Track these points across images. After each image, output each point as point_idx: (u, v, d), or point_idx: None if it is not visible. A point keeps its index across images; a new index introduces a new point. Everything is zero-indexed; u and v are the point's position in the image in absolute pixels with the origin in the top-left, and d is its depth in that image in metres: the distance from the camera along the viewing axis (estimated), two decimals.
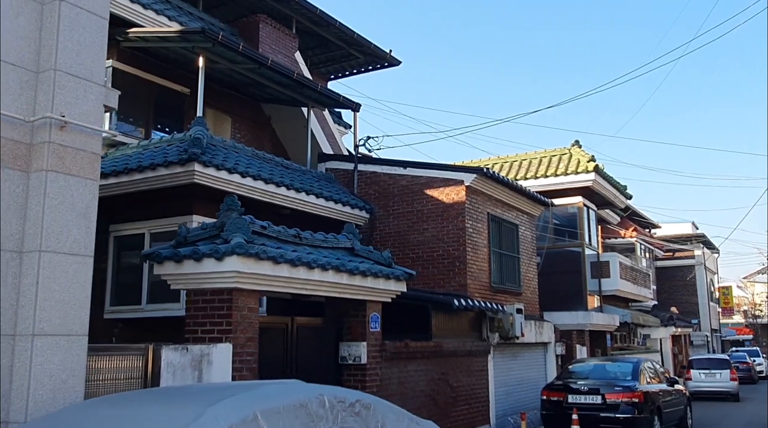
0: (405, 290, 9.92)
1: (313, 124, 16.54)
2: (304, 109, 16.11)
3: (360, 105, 15.50)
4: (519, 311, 13.72)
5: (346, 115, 19.92)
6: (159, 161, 10.77)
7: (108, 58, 13.04)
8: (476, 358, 12.46)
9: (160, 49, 13.13)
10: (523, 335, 13.76)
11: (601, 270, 22.90)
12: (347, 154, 16.32)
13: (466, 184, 13.57)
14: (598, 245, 23.96)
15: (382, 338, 9.74)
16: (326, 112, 17.31)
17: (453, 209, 13.65)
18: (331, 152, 16.48)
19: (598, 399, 12.13)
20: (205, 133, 11.65)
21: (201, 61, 12.46)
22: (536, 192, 17.66)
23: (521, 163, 23.00)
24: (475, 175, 13.54)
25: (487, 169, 13.50)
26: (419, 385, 10.56)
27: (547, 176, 21.67)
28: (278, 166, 13.31)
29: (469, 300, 11.68)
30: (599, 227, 27.48)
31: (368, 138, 15.47)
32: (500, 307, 13.09)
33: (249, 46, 14.41)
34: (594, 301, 22.16)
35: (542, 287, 17.89)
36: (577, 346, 17.61)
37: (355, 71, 19.90)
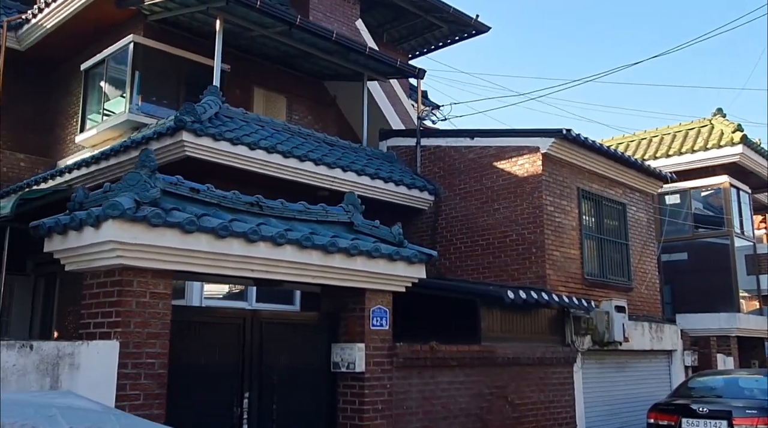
0: (423, 276, 7.61)
1: (381, 100, 14.60)
2: (371, 84, 14.22)
3: (424, 71, 13.30)
4: (620, 309, 10.79)
5: (433, 94, 17.76)
6: (150, 135, 9.30)
7: (128, 33, 12.03)
8: (554, 368, 9.77)
9: (190, 20, 11.78)
10: (626, 339, 10.81)
11: (759, 264, 18.76)
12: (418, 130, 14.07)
13: (543, 152, 10.92)
14: (756, 235, 19.81)
15: (394, 339, 7.48)
16: (398, 88, 15.26)
17: (527, 183, 11.04)
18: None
19: (723, 426, 9.01)
20: (217, 104, 10.07)
21: (218, 24, 10.94)
22: (670, 172, 14.43)
23: (651, 140, 19.51)
24: (552, 140, 10.85)
25: (568, 130, 10.76)
26: (458, 402, 8.15)
27: (682, 153, 18.07)
28: (319, 142, 11.47)
29: (533, 293, 9.06)
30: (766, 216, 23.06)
31: (433, 107, 13.18)
32: (588, 304, 10.28)
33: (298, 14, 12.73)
34: (754, 303, 18.17)
35: (677, 285, 14.62)
36: (718, 356, 14.08)
37: (440, 44, 17.67)
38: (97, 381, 5.07)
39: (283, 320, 7.07)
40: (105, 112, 12.11)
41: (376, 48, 14.49)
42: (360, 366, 7.04)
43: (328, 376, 7.22)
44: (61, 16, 12.16)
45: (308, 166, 10.34)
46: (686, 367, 13.19)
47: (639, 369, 12.19)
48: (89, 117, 12.55)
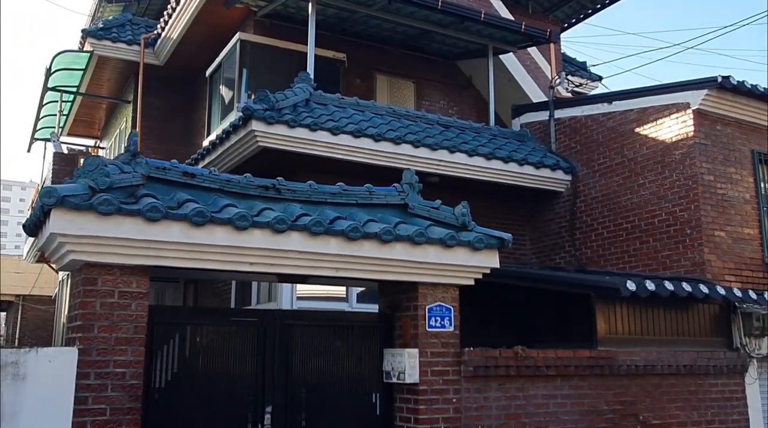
0: (495, 265, 6.17)
1: (520, 75, 13.11)
2: (507, 58, 12.78)
3: (557, 34, 11.68)
4: None
5: (597, 67, 15.63)
6: (228, 128, 8.85)
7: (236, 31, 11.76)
8: (712, 379, 7.63)
9: (298, 11, 11.28)
10: None
11: None
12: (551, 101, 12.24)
13: (694, 108, 8.75)
14: None
15: (461, 343, 6.13)
16: (542, 61, 13.54)
17: (676, 149, 8.92)
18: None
19: None
20: (307, 90, 9.39)
21: (310, 7, 10.27)
22: None
23: None
24: (705, 92, 8.65)
25: (726, 78, 8.49)
26: (561, 421, 6.52)
27: None
28: (431, 123, 10.35)
29: (667, 284, 7.09)
30: None
31: (569, 73, 11.38)
32: (759, 296, 7.96)
33: None
34: None
35: None
36: None
37: (598, 6, 15.60)
38: (47, 393, 4.46)
39: (320, 322, 6.05)
40: (222, 113, 12.02)
41: (511, 18, 12.99)
42: (412, 376, 5.80)
43: (381, 388, 6.07)
44: (182, 25, 12.29)
45: (405, 149, 9.26)
46: None
47: None
48: (213, 121, 12.57)
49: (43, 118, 15.99)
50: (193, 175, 5.39)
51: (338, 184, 6.17)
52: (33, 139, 17.09)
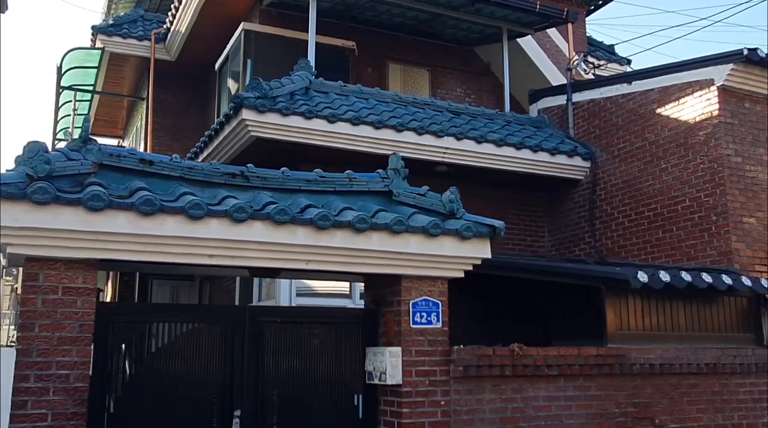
0: (486, 255, 5.65)
1: (540, 59, 12.50)
2: (526, 41, 12.21)
3: (575, 13, 10.90)
4: None
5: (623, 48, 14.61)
6: (221, 119, 8.51)
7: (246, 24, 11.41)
8: (739, 379, 6.95)
9: None
10: None
11: None
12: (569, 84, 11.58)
13: (719, 85, 8.07)
14: None
15: (450, 340, 5.64)
16: (563, 44, 12.90)
17: (700, 130, 8.25)
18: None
19: None
20: (307, 78, 9.01)
21: None
22: None
23: None
24: (730, 66, 7.95)
25: (753, 50, 7.79)
26: (566, 425, 5.98)
27: None
28: (440, 110, 9.87)
29: (684, 275, 6.47)
30: None
31: (585, 54, 10.72)
32: None
33: None
34: None
35: None
36: None
37: None
38: None
39: (296, 319, 5.62)
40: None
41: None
42: (394, 377, 5.34)
43: (365, 390, 5.62)
44: (189, 18, 12.03)
45: (408, 136, 8.78)
46: None
47: None
48: (221, 114, 12.27)
49: (62, 118, 15.96)
50: (151, 163, 5.03)
51: (315, 170, 5.75)
52: (55, 140, 17.09)
